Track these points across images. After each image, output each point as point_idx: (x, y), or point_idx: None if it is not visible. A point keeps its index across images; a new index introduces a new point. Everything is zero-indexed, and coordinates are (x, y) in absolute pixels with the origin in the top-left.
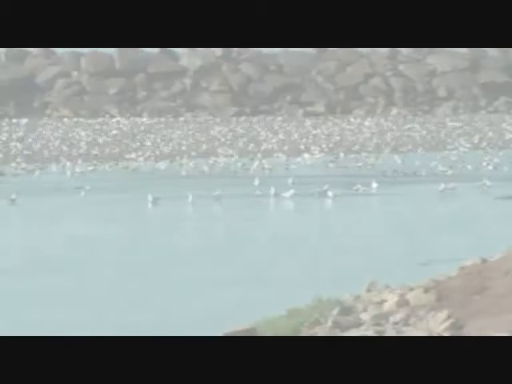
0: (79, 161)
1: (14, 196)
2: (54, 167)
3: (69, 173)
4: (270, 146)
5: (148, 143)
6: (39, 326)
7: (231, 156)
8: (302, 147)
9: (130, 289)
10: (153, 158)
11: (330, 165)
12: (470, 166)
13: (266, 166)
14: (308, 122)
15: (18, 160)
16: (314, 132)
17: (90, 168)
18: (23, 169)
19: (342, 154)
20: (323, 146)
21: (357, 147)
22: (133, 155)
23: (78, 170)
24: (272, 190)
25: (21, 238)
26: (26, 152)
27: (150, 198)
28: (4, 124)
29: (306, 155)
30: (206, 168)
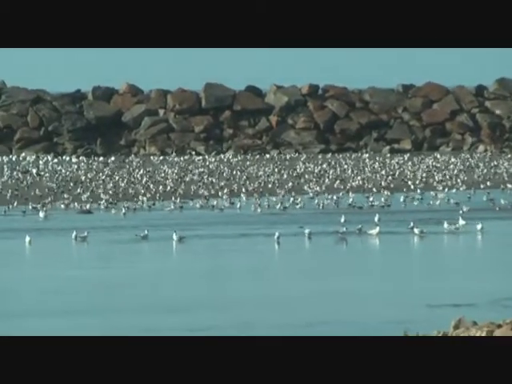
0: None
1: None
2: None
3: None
4: (356, 183)
5: (233, 181)
6: None
7: (318, 193)
8: (388, 184)
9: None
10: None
11: (415, 202)
12: None
13: (352, 202)
14: (395, 160)
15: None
16: (400, 169)
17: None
18: (110, 206)
19: (431, 192)
20: (409, 182)
21: (444, 183)
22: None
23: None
24: (358, 227)
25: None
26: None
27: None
28: (91, 162)
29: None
30: (292, 205)
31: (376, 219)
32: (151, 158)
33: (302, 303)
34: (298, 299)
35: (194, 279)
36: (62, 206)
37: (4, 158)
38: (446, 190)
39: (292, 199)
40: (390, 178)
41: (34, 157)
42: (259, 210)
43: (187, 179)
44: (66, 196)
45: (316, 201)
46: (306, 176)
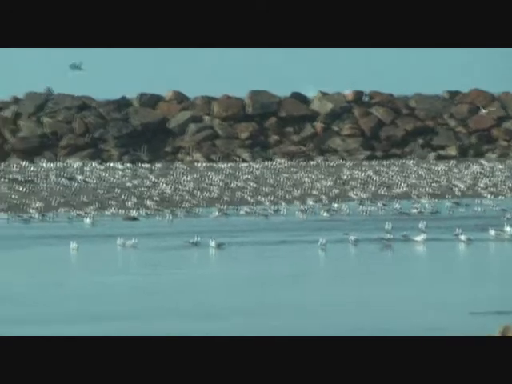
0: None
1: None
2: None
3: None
4: (402, 190)
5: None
6: None
7: (363, 199)
8: (433, 191)
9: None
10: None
11: (461, 209)
12: None
13: (398, 209)
14: (441, 166)
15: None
16: (446, 176)
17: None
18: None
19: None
20: (455, 189)
21: (490, 190)
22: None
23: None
24: (404, 234)
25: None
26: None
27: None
28: (137, 168)
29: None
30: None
31: (422, 226)
32: (196, 164)
33: (342, 310)
34: (339, 306)
35: (235, 285)
36: (108, 212)
37: (50, 164)
38: (492, 196)
39: (337, 206)
40: (435, 184)
41: (79, 163)
42: (304, 217)
43: (233, 186)
44: (111, 202)
45: (361, 207)
46: (352, 183)
